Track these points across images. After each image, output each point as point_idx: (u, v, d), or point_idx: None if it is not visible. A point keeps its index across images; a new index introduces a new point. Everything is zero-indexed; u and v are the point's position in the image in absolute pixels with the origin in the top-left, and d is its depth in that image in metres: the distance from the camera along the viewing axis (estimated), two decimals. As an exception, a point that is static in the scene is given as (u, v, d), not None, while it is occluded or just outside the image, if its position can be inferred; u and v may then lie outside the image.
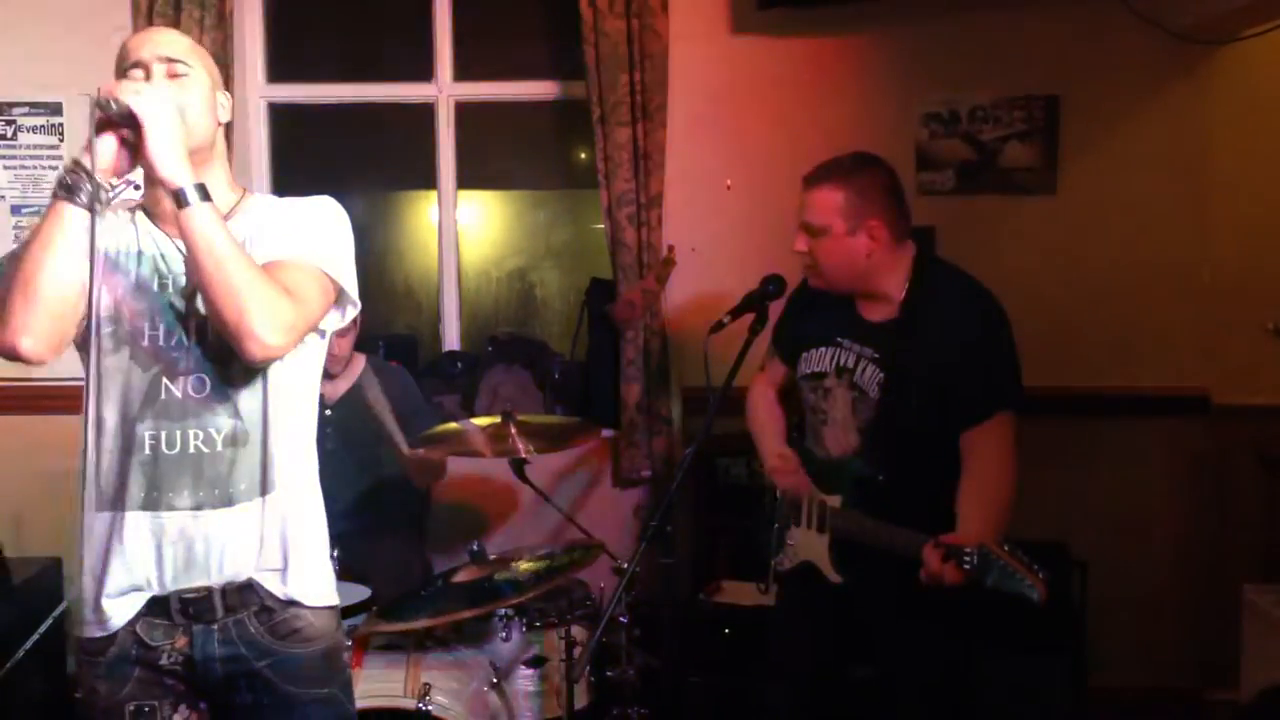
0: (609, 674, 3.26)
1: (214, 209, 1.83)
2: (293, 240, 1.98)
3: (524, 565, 3.20)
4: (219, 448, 1.95)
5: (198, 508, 1.95)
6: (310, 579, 2.05)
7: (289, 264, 1.94)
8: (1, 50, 4.19)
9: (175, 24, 3.99)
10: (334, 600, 2.11)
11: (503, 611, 3.06)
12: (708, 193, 4.17)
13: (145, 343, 1.96)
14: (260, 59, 4.45)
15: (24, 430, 4.09)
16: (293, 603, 2.02)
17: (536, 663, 3.10)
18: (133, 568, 1.95)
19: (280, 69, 4.50)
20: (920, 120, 4.13)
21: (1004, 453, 2.59)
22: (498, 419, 3.33)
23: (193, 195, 1.81)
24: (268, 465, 1.99)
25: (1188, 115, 4.08)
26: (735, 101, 4.17)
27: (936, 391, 2.59)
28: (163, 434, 1.94)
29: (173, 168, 1.81)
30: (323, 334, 2.09)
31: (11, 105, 4.20)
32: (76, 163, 1.82)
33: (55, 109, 4.19)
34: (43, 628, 3.11)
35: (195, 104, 1.94)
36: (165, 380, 1.95)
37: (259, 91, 4.44)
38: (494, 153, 4.77)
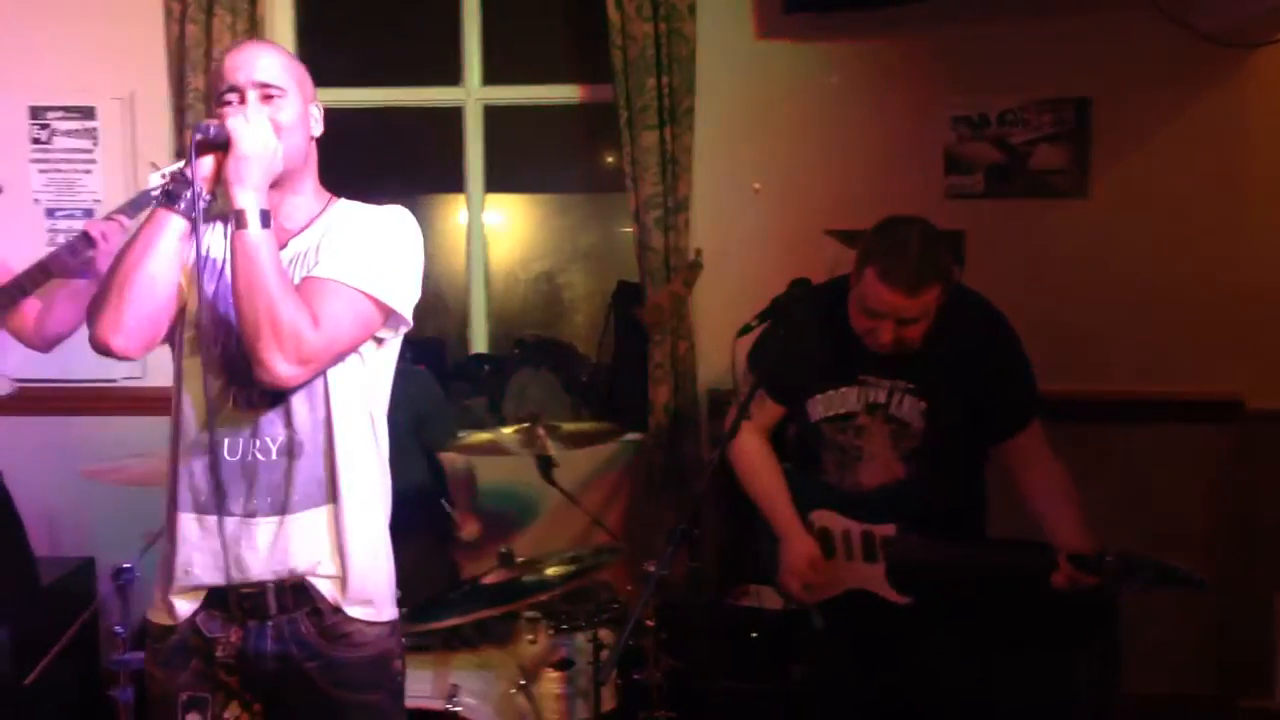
0: (636, 677, 3.26)
1: (269, 236, 1.91)
2: (344, 260, 1.99)
3: (551, 568, 3.21)
4: (274, 457, 2.00)
5: (250, 515, 2.00)
6: (367, 591, 2.06)
7: (328, 288, 1.96)
8: (36, 55, 4.23)
9: (207, 30, 4.04)
10: (388, 614, 2.12)
11: (530, 613, 3.07)
12: (735, 196, 4.17)
13: (219, 350, 2.01)
14: (291, 63, 4.48)
15: (58, 431, 4.13)
16: (344, 609, 2.04)
17: (564, 665, 3.11)
18: (191, 568, 2.02)
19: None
20: (949, 123, 4.12)
21: (1051, 453, 2.76)
22: (525, 422, 3.35)
23: (252, 218, 1.90)
24: (325, 476, 2.02)
25: (1222, 118, 4.04)
26: (762, 105, 4.16)
27: (977, 409, 2.71)
28: (226, 440, 2.00)
29: (243, 192, 1.91)
30: (380, 341, 2.09)
31: (46, 109, 4.24)
32: (179, 173, 1.93)
33: (89, 113, 4.23)
34: (73, 629, 3.15)
35: (288, 127, 2.02)
36: (234, 388, 2.00)
37: (289, 96, 4.48)
38: (522, 156, 4.79)
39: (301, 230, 2.07)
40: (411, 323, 2.08)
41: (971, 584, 2.71)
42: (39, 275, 3.10)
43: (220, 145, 1.92)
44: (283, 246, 2.01)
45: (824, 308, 2.80)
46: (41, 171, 4.26)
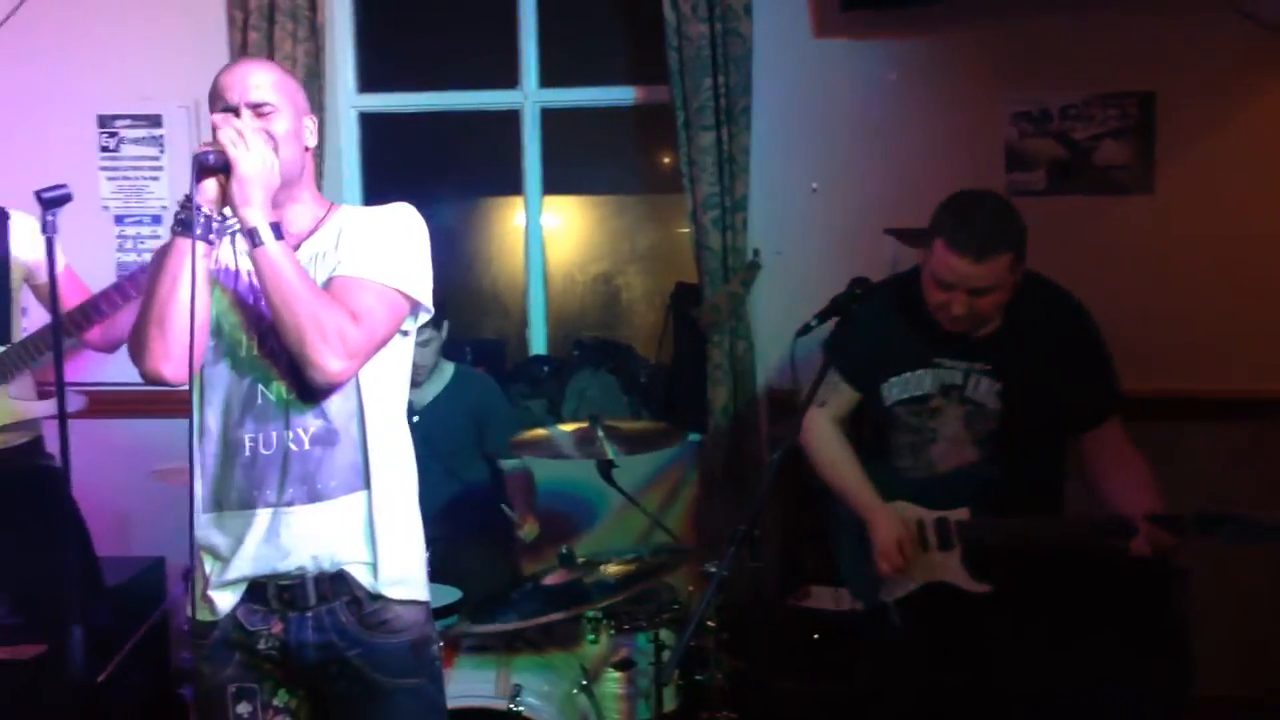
0: (698, 677, 3.26)
1: (284, 246, 2.00)
2: (366, 257, 2.09)
3: (612, 568, 3.22)
4: (307, 446, 2.08)
5: (288, 504, 2.07)
6: (400, 573, 2.15)
7: (360, 285, 2.06)
8: (103, 65, 4.32)
9: (269, 37, 4.09)
10: (423, 596, 2.21)
11: (591, 614, 3.08)
12: (793, 196, 4.15)
13: (243, 353, 2.11)
14: (351, 69, 4.53)
15: (134, 433, 4.20)
16: (381, 596, 2.12)
17: (626, 665, 3.12)
18: (232, 562, 2.10)
19: (370, 79, 4.58)
20: (1009, 119, 4.07)
21: (1131, 446, 2.76)
22: (585, 423, 3.36)
23: (266, 235, 1.98)
24: (359, 464, 2.11)
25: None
26: (820, 104, 4.14)
27: (1054, 395, 2.70)
28: (260, 436, 2.08)
29: (250, 211, 1.98)
30: (405, 333, 2.19)
31: (114, 118, 4.33)
32: (188, 199, 1.99)
33: (155, 121, 4.31)
34: (144, 628, 3.21)
35: (280, 140, 2.08)
36: (261, 386, 2.09)
37: (350, 101, 4.53)
38: (579, 158, 4.81)
39: (311, 233, 2.16)
40: (433, 310, 2.19)
41: (1048, 566, 2.69)
42: (116, 298, 3.20)
43: (221, 169, 1.99)
44: (295, 248, 2.09)
45: (897, 293, 2.82)
46: (110, 179, 4.35)
